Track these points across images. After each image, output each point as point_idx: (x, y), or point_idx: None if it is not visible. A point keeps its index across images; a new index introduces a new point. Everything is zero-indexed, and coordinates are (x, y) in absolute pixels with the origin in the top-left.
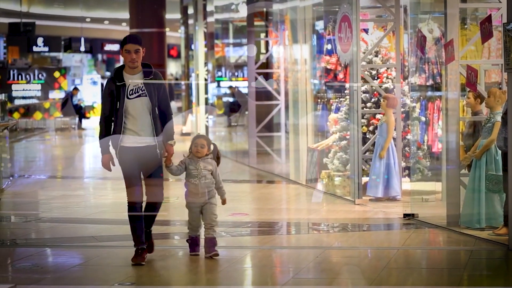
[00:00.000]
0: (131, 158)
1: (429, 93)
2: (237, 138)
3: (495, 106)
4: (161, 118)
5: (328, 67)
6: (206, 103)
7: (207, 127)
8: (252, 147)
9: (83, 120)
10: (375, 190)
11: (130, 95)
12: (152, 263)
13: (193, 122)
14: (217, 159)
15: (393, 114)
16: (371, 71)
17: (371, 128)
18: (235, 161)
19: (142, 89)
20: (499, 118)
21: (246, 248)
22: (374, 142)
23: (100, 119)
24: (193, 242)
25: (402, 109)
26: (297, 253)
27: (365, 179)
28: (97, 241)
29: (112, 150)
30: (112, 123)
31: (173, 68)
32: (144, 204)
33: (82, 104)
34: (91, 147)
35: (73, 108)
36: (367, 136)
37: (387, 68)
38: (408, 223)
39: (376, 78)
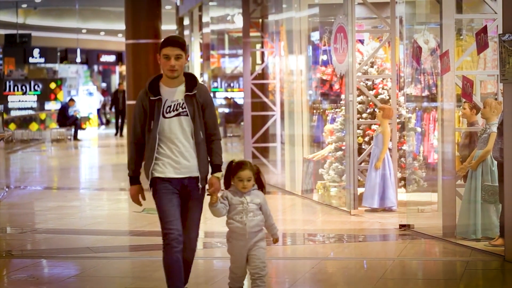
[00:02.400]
0: (172, 191)
1: (425, 104)
2: (232, 149)
3: (491, 117)
4: (207, 143)
5: (324, 77)
6: None
7: None
8: (247, 158)
9: (79, 131)
10: (371, 201)
11: (166, 112)
12: (148, 274)
13: None
14: (262, 185)
15: (389, 124)
16: (366, 81)
17: (366, 138)
18: None
19: (183, 106)
20: (495, 129)
21: None
22: (370, 152)
23: (130, 141)
24: None
25: (397, 120)
26: (293, 264)
27: (360, 189)
28: (93, 252)
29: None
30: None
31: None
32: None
33: (78, 115)
34: (86, 158)
35: (68, 119)
36: (363, 147)
37: (383, 79)
38: (404, 234)
39: (371, 88)
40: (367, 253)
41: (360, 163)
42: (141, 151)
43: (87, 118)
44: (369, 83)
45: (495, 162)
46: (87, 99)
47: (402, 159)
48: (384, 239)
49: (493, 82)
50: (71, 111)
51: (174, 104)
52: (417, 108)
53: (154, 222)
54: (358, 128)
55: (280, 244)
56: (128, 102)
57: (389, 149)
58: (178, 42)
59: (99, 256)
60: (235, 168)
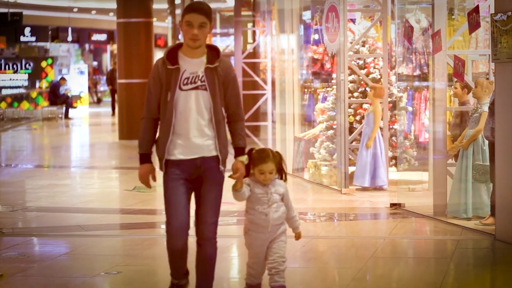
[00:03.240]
0: (180, 177)
1: (416, 83)
2: None
3: (482, 97)
4: (229, 123)
5: (315, 57)
6: None
7: None
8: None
9: (70, 110)
10: (362, 180)
11: (183, 84)
12: (139, 252)
13: None
14: (283, 174)
15: (380, 104)
16: (358, 61)
17: (358, 117)
18: None
19: (202, 79)
20: (486, 108)
21: (232, 237)
22: (361, 131)
23: (143, 116)
24: None
25: (389, 99)
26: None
27: (351, 168)
28: (84, 230)
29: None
30: (161, 124)
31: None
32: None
33: (69, 94)
34: (77, 137)
35: (59, 98)
36: (354, 126)
37: (374, 58)
38: (395, 213)
39: (363, 68)
40: (357, 232)
41: (351, 142)
42: (155, 127)
43: (78, 97)
44: (361, 62)
45: (486, 142)
46: (78, 78)
47: (393, 138)
48: (375, 218)
49: (485, 61)
50: (62, 90)
51: (193, 76)
52: (408, 87)
53: (145, 200)
54: (349, 107)
55: None
56: (119, 81)
57: (380, 128)
58: (203, 9)
59: (90, 234)
60: (256, 159)
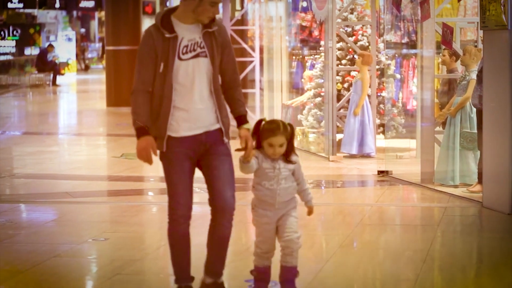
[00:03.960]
0: (184, 156)
1: (404, 51)
2: None
3: (470, 64)
4: (227, 91)
5: (303, 24)
6: None
7: None
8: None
9: (58, 77)
10: (350, 147)
11: (183, 54)
12: (126, 218)
13: None
14: (291, 148)
15: (368, 71)
16: (346, 28)
17: (345, 85)
18: None
19: (201, 45)
20: (474, 76)
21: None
22: (349, 99)
23: (134, 90)
24: (261, 276)
25: (377, 67)
26: None
27: (339, 136)
28: (71, 197)
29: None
30: (155, 98)
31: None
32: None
33: (56, 61)
34: (65, 104)
35: (47, 65)
36: (342, 93)
37: (363, 26)
38: (382, 180)
39: (351, 35)
40: (345, 199)
41: (339, 110)
42: (148, 100)
43: (66, 64)
44: (349, 29)
45: (474, 109)
46: (66, 45)
47: (381, 105)
48: (362, 185)
49: (473, 29)
50: (50, 57)
51: (192, 44)
52: (396, 55)
53: (133, 167)
54: (337, 75)
55: None
56: (107, 48)
57: (368, 96)
58: None
59: (78, 201)
60: (265, 131)
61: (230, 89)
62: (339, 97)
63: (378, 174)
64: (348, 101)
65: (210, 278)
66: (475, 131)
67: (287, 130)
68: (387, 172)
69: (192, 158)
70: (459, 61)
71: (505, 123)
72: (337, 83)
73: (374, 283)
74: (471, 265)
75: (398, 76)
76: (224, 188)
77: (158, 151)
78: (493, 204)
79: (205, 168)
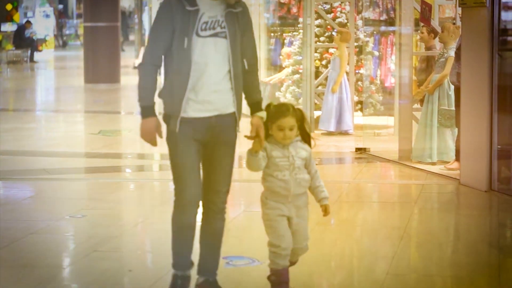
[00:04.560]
0: (192, 138)
1: (383, 28)
2: None
3: (449, 41)
4: (245, 76)
5: (282, 1)
6: None
7: None
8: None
9: (35, 53)
10: (328, 124)
11: (201, 30)
12: (104, 195)
13: None
14: (307, 136)
15: (346, 48)
16: (324, 5)
17: (324, 62)
18: None
19: (222, 25)
20: (452, 53)
21: None
22: (327, 76)
23: (143, 62)
24: (281, 279)
25: (355, 44)
26: (249, 187)
27: (317, 113)
28: (49, 173)
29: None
30: (166, 74)
31: (126, 0)
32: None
33: (34, 37)
34: (43, 80)
35: (24, 41)
36: (320, 70)
37: (341, 2)
38: (360, 157)
39: (330, 12)
40: (323, 176)
41: (317, 87)
42: (156, 76)
43: (44, 40)
44: (327, 6)
45: (452, 87)
46: (43, 21)
47: (359, 82)
48: (340, 162)
49: (451, 6)
50: (27, 33)
51: (212, 21)
52: (375, 32)
53: (110, 144)
54: (316, 52)
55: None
56: (84, 24)
57: (346, 73)
58: None
59: (55, 178)
60: (274, 113)
61: (247, 73)
62: (317, 74)
63: (356, 151)
64: (326, 78)
65: (202, 277)
66: (453, 108)
67: (298, 114)
68: (365, 149)
69: (198, 141)
70: (437, 39)
71: (482, 101)
72: (315, 60)
73: (351, 260)
74: (448, 242)
75: (376, 53)
76: (221, 183)
77: (164, 133)
78: (470, 181)
79: (206, 156)
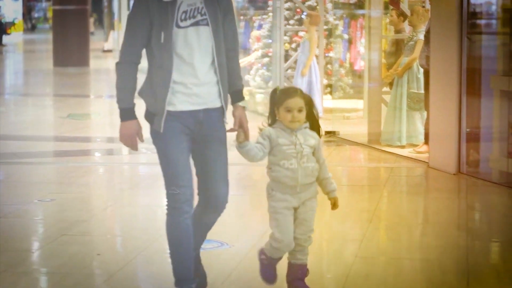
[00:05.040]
0: (182, 132)
1: (352, 11)
2: None
3: (418, 24)
4: (228, 63)
5: None
6: None
7: None
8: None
9: (4, 36)
10: None
11: (181, 20)
12: (73, 179)
13: (115, 39)
14: (316, 124)
15: (316, 31)
16: None
17: (293, 45)
18: None
19: (202, 11)
20: (421, 36)
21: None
22: (296, 59)
23: (120, 61)
24: (269, 268)
25: (324, 27)
26: None
27: None
28: (18, 157)
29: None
30: (148, 71)
31: None
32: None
33: (2, 20)
34: (11, 64)
35: None
36: (290, 54)
37: None
38: (329, 140)
39: None
40: None
41: (287, 70)
42: (136, 74)
43: (12, 24)
44: None
45: (421, 70)
46: (12, 4)
47: (329, 66)
48: None
49: None
50: None
51: (191, 9)
52: (344, 15)
53: (80, 128)
54: (285, 35)
55: None
56: (53, 7)
57: (316, 56)
58: None
59: (24, 162)
60: (281, 95)
61: (227, 58)
62: (286, 57)
63: (325, 134)
64: (295, 62)
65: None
66: (422, 91)
67: (306, 97)
68: (334, 132)
69: (187, 135)
70: (406, 22)
71: (451, 84)
72: (284, 43)
73: (321, 243)
74: (416, 225)
75: (345, 36)
76: (219, 184)
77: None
78: (439, 164)
79: (199, 157)
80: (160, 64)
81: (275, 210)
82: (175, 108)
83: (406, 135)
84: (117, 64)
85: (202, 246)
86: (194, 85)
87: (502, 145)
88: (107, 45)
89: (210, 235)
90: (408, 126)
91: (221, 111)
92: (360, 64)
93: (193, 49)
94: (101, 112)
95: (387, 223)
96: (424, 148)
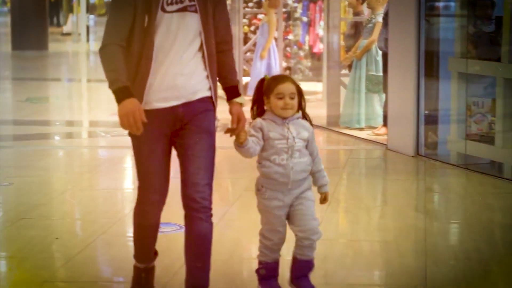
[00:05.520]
0: (158, 134)
1: None
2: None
3: (377, 7)
4: (217, 54)
5: None
6: (88, 4)
7: (88, 27)
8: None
9: None
10: None
11: (167, 4)
12: (31, 163)
13: (74, 22)
14: (304, 113)
15: (275, 14)
16: None
17: (252, 28)
18: None
19: None
20: (380, 19)
21: (127, 148)
22: (255, 42)
23: (105, 44)
24: (271, 273)
25: (284, 9)
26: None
27: (246, 79)
28: None
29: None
30: (132, 59)
31: None
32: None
33: None
34: None
35: None
36: (249, 36)
37: None
38: None
39: None
40: None
41: (246, 53)
42: (123, 55)
43: None
44: None
45: (380, 52)
46: None
47: (288, 48)
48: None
49: None
50: None
51: None
52: None
53: (39, 111)
54: (244, 17)
55: None
56: None
57: (275, 39)
58: None
59: None
60: (271, 82)
61: (220, 52)
62: (245, 40)
63: None
64: (254, 44)
65: None
66: (381, 74)
67: (296, 83)
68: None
69: (167, 136)
70: (365, 4)
71: (410, 66)
72: (243, 26)
73: None
74: (375, 207)
75: (305, 19)
76: (198, 173)
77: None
78: (397, 146)
79: (179, 147)
80: (139, 51)
81: (265, 208)
82: (150, 106)
83: (365, 118)
84: (101, 48)
85: (161, 229)
86: (175, 75)
87: (460, 127)
88: (66, 28)
89: (169, 218)
90: (367, 109)
91: (210, 102)
92: (319, 47)
93: (176, 37)
94: (60, 96)
95: (346, 205)
96: (383, 130)
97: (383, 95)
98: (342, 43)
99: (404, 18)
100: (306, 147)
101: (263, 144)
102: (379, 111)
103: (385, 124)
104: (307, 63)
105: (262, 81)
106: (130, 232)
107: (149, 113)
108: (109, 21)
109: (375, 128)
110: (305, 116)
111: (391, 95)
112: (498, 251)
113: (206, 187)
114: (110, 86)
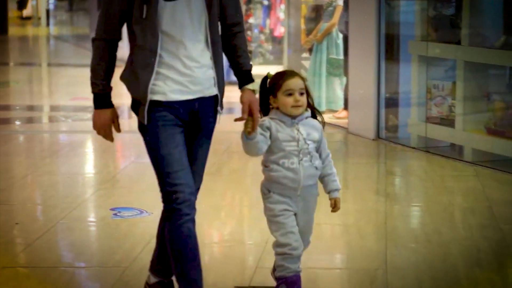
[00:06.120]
0: (175, 124)
1: None
2: (78, 22)
3: None
4: (227, 38)
5: None
6: None
7: (48, 11)
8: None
9: None
10: None
11: None
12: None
13: (34, 6)
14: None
15: None
16: None
17: None
18: (76, 45)
19: None
20: (341, 2)
21: (87, 133)
22: None
23: (96, 37)
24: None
25: None
26: (138, 138)
27: None
28: None
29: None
30: (135, 51)
31: None
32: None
33: None
34: None
35: None
36: None
37: None
38: None
39: None
40: None
41: None
42: (115, 52)
43: None
44: None
45: (341, 35)
46: None
47: (249, 32)
48: (230, 112)
49: None
50: None
51: None
52: None
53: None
54: None
55: (126, 117)
56: None
57: None
58: None
59: None
60: (277, 78)
61: (233, 35)
62: None
63: None
64: None
65: (156, 277)
66: (342, 57)
67: (304, 79)
68: None
69: (182, 128)
70: None
71: (370, 49)
72: None
73: (242, 210)
74: None
75: (265, 2)
76: (194, 177)
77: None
78: (358, 130)
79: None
80: (142, 44)
81: (273, 213)
82: (166, 97)
83: (326, 101)
84: (92, 40)
85: (121, 214)
86: (188, 68)
87: (421, 110)
88: (26, 12)
89: (129, 202)
90: (328, 92)
91: (216, 101)
92: (280, 30)
93: (184, 26)
94: (20, 80)
95: None
96: (344, 113)
97: (344, 79)
98: (303, 26)
99: (365, 1)
100: (316, 149)
101: (270, 146)
102: (340, 94)
103: (345, 107)
104: (268, 46)
105: (265, 79)
106: (90, 217)
107: (164, 103)
108: (102, 13)
109: (336, 111)
110: (314, 114)
111: (352, 78)
112: (458, 234)
113: (197, 192)
114: (91, 86)
